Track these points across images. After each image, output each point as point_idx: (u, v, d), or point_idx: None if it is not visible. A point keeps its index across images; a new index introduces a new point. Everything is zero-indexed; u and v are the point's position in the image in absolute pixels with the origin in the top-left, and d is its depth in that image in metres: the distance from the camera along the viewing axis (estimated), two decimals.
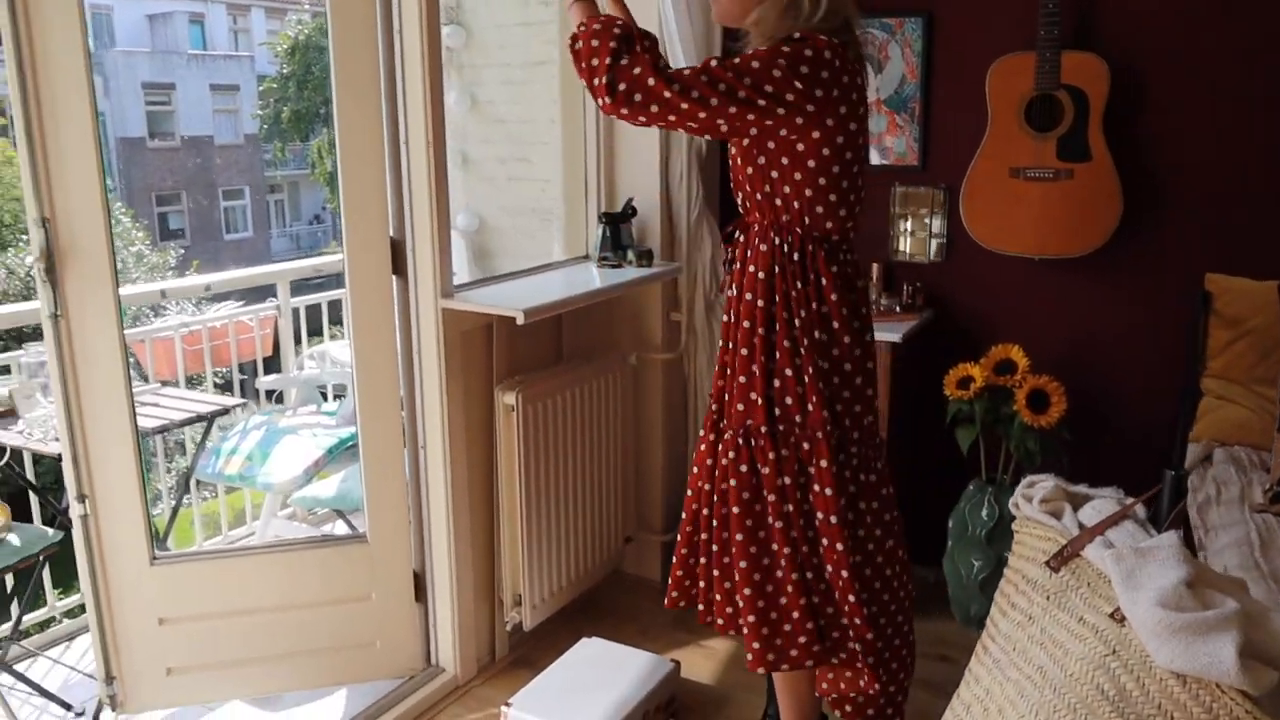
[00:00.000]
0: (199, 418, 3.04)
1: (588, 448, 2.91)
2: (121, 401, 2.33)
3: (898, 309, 3.06)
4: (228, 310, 3.80)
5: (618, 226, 3.02)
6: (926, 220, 3.10)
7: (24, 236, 12.93)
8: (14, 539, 2.53)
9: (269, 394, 3.81)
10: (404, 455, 2.61)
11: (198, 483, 3.51)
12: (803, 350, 1.83)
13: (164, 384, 3.44)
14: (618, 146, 3.13)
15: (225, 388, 3.94)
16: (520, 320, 2.44)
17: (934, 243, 3.10)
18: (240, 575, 2.52)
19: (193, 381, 3.58)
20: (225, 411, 3.15)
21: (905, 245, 3.15)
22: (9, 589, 2.79)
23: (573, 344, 3.00)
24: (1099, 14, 2.80)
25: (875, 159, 3.13)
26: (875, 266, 3.13)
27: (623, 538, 3.13)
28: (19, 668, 2.72)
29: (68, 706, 2.60)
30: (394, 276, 2.51)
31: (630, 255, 3.00)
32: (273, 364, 3.94)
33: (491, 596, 2.77)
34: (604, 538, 3.02)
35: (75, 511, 2.33)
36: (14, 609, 2.74)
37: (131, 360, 3.51)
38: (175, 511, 3.41)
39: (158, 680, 2.47)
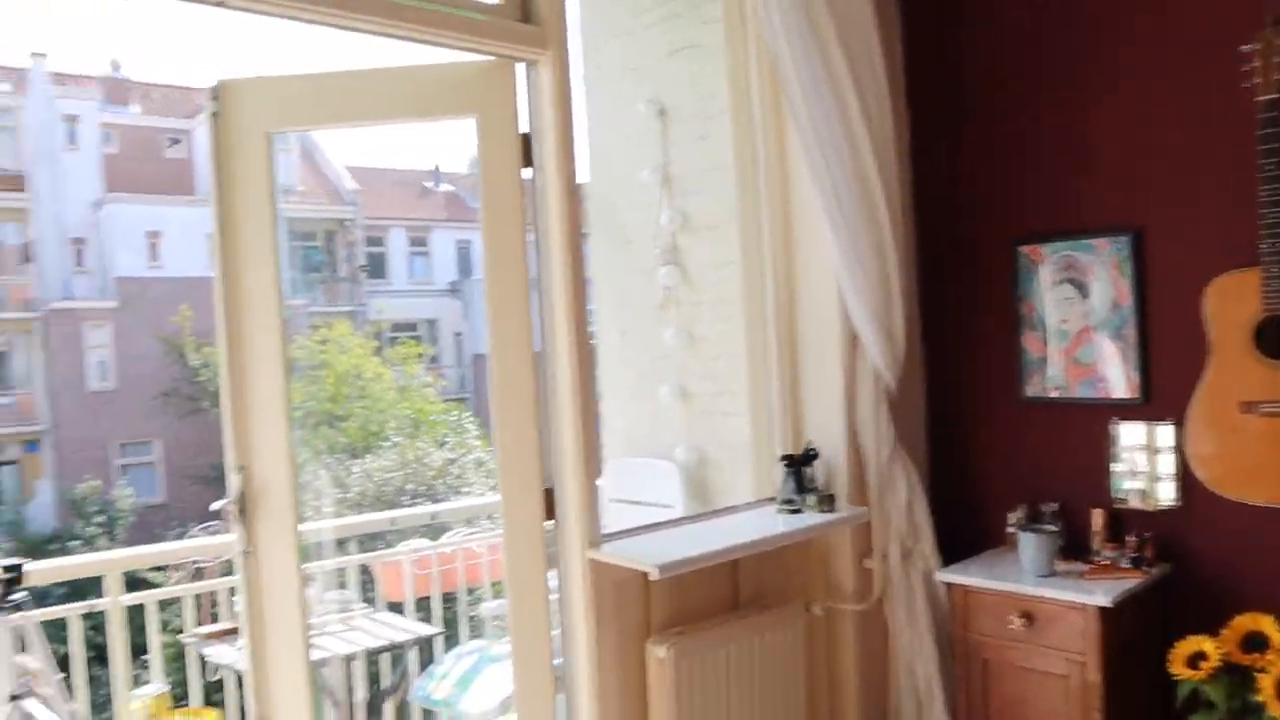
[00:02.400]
0: (392, 646, 3.21)
1: (759, 706, 2.70)
2: (296, 633, 2.51)
3: (1124, 563, 2.65)
4: (459, 537, 4.03)
5: (799, 469, 2.90)
6: (1153, 460, 2.70)
7: (385, 443, 14.70)
8: None
9: (495, 619, 3.94)
10: (554, 702, 2.57)
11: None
12: None
13: (391, 606, 3.67)
14: (803, 387, 3.05)
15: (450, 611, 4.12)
16: (655, 576, 2.37)
17: (1163, 486, 2.68)
18: None
19: (421, 604, 3.79)
20: (420, 641, 3.30)
21: (1131, 489, 2.75)
22: None
23: (751, 590, 2.86)
24: None
25: (1089, 392, 2.82)
26: (1098, 513, 2.75)
27: None
28: None
29: None
30: (548, 522, 2.55)
31: (811, 500, 2.86)
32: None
33: None
34: None
35: None
36: None
37: (364, 580, 3.81)
38: None
39: None
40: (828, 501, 2.85)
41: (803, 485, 2.90)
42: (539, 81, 2.50)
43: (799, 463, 2.91)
